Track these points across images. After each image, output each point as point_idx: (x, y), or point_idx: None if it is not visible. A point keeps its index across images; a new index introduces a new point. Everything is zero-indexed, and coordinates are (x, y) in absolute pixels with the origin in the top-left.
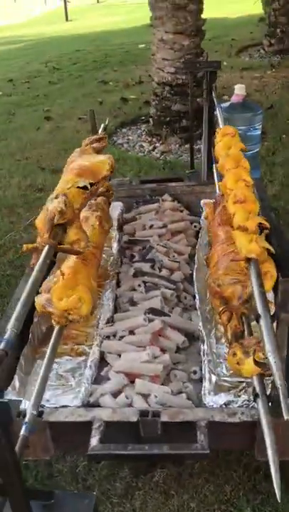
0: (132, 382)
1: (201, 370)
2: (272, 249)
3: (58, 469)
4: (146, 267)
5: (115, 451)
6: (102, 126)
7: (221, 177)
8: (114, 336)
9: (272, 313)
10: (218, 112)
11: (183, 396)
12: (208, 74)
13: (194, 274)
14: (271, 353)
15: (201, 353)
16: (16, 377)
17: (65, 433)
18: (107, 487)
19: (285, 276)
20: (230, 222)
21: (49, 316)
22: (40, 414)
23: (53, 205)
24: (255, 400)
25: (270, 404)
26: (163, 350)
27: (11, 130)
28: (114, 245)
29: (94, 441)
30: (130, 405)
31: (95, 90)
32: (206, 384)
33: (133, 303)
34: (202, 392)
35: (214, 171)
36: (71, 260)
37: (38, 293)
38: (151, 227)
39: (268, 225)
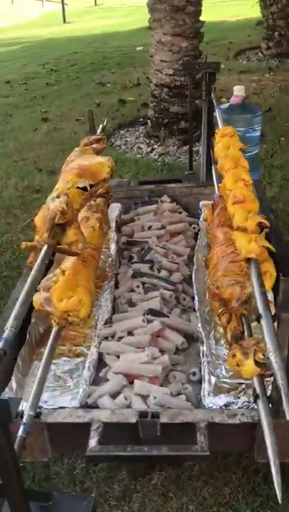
0: (131, 383)
1: (200, 371)
2: (272, 247)
3: (56, 471)
4: (145, 268)
5: (114, 453)
6: (101, 126)
7: (220, 178)
8: (113, 336)
9: (272, 313)
10: (217, 113)
11: (182, 397)
12: (207, 75)
13: (193, 275)
14: (272, 352)
15: (201, 355)
16: (13, 378)
17: (63, 434)
18: (105, 489)
19: (286, 275)
20: (229, 223)
21: (46, 316)
22: (37, 415)
23: (54, 204)
24: (255, 401)
25: (270, 405)
26: (162, 352)
27: (8, 131)
28: (113, 246)
29: (92, 442)
30: (129, 406)
31: (93, 92)
32: (205, 385)
33: (132, 304)
34: (201, 394)
35: (213, 172)
36: (71, 260)
37: (36, 291)
38: (149, 228)
39: (267, 223)
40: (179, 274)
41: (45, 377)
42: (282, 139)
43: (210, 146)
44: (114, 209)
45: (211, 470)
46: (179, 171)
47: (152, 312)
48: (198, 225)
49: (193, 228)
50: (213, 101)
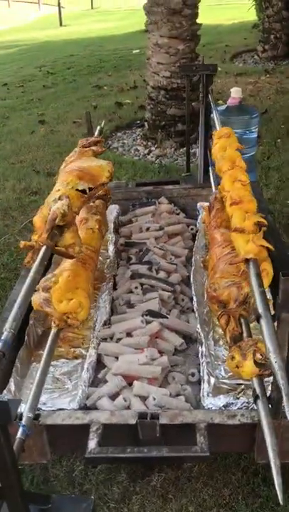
0: (130, 384)
1: (199, 372)
2: (270, 246)
3: (55, 474)
4: (143, 269)
5: (113, 454)
6: (98, 128)
7: (218, 179)
8: (112, 338)
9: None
10: (214, 115)
11: (181, 398)
12: (204, 77)
13: (191, 276)
14: (272, 352)
15: (199, 355)
16: (11, 380)
17: (62, 436)
18: (104, 491)
19: (286, 275)
20: (226, 224)
21: (45, 318)
22: (36, 417)
23: (56, 206)
24: (255, 402)
25: (270, 406)
26: (161, 353)
27: (5, 134)
28: (111, 248)
29: (92, 444)
30: (128, 408)
31: (90, 95)
32: (204, 386)
33: (130, 305)
34: (201, 394)
35: (210, 173)
36: (71, 262)
37: (34, 291)
38: (147, 229)
39: (265, 222)
40: (178, 275)
41: (43, 379)
42: (279, 140)
43: (207, 148)
44: (112, 211)
45: (211, 471)
46: (176, 173)
47: (151, 313)
48: (195, 226)
49: (191, 229)
50: (211, 103)
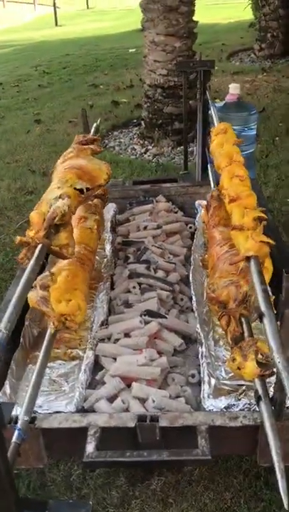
0: (129, 386)
1: (199, 373)
2: (270, 241)
3: (52, 478)
4: (141, 268)
5: (112, 458)
6: (94, 125)
7: (217, 177)
8: (109, 338)
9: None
10: (212, 111)
11: (181, 400)
12: (201, 73)
13: (190, 275)
14: (275, 352)
15: (199, 356)
16: (6, 382)
17: (59, 440)
18: (102, 496)
19: None
20: (224, 222)
21: (41, 319)
22: (32, 420)
23: (57, 204)
24: (257, 403)
25: (273, 407)
26: (160, 353)
27: (0, 133)
28: (108, 247)
29: (90, 448)
30: (127, 410)
31: (86, 94)
32: (205, 387)
33: (128, 305)
34: (201, 396)
35: (209, 170)
36: (69, 261)
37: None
38: (145, 228)
39: (264, 216)
40: (176, 275)
41: (39, 381)
42: (277, 138)
43: (205, 145)
44: (109, 209)
45: (212, 474)
46: (173, 172)
47: (149, 313)
48: (194, 224)
49: (190, 228)
50: (208, 99)
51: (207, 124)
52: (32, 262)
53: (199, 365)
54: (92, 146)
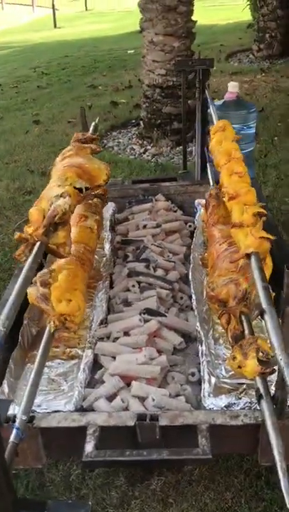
0: (128, 385)
1: (199, 371)
2: (270, 236)
3: (50, 478)
4: (140, 267)
5: (112, 458)
6: (93, 124)
7: (216, 175)
8: (109, 337)
9: None
10: (211, 110)
11: (181, 399)
12: (200, 72)
13: (190, 273)
14: (277, 349)
15: (199, 354)
16: (5, 381)
17: (57, 439)
18: (102, 496)
19: None
20: (223, 220)
21: (40, 318)
22: (31, 419)
23: (58, 203)
24: (258, 402)
25: (274, 406)
26: (159, 352)
27: None
28: (107, 246)
29: (89, 447)
30: (126, 409)
31: (84, 94)
32: (205, 386)
33: (127, 303)
34: (202, 395)
35: (208, 169)
36: (69, 260)
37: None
38: (144, 227)
39: (264, 211)
40: (176, 273)
41: (38, 380)
42: (276, 138)
43: (204, 144)
44: (108, 208)
45: (212, 474)
46: (172, 172)
47: (149, 311)
48: (193, 223)
49: (189, 226)
50: (208, 98)
51: (206, 122)
52: (30, 259)
53: (199, 364)
54: (92, 146)
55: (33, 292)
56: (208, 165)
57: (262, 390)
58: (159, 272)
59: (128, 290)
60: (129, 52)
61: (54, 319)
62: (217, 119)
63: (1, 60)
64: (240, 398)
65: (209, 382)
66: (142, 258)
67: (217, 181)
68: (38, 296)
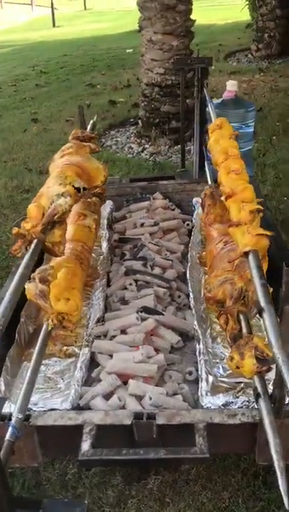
0: (125, 383)
1: (196, 370)
2: (268, 232)
3: (46, 477)
4: (137, 265)
5: (108, 457)
6: (91, 122)
7: (214, 174)
8: (106, 335)
9: None
10: (210, 108)
11: (179, 397)
12: (199, 70)
13: (188, 272)
14: (276, 347)
15: (197, 353)
16: (1, 379)
17: (53, 438)
18: (98, 495)
19: None
20: (221, 219)
21: (36, 316)
22: (27, 418)
23: (59, 202)
24: (256, 401)
25: (272, 405)
26: (157, 350)
27: None
28: (104, 244)
29: (85, 445)
30: (123, 408)
31: (83, 93)
32: (202, 385)
33: (124, 302)
34: (199, 393)
35: (206, 167)
36: (68, 258)
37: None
38: (142, 225)
39: (261, 207)
40: (173, 271)
41: (34, 379)
42: (274, 137)
43: (202, 142)
44: (106, 206)
45: (209, 473)
46: (170, 170)
47: (146, 310)
48: (191, 221)
49: (187, 225)
50: (206, 96)
51: (204, 121)
52: (27, 256)
53: (197, 363)
54: (91, 145)
55: (31, 288)
56: (206, 163)
57: (260, 389)
58: (157, 271)
59: (125, 288)
60: (127, 51)
61: (52, 317)
62: (215, 117)
63: (0, 59)
64: (237, 397)
65: (207, 380)
66: (139, 256)
67: (215, 180)
68: (37, 292)
